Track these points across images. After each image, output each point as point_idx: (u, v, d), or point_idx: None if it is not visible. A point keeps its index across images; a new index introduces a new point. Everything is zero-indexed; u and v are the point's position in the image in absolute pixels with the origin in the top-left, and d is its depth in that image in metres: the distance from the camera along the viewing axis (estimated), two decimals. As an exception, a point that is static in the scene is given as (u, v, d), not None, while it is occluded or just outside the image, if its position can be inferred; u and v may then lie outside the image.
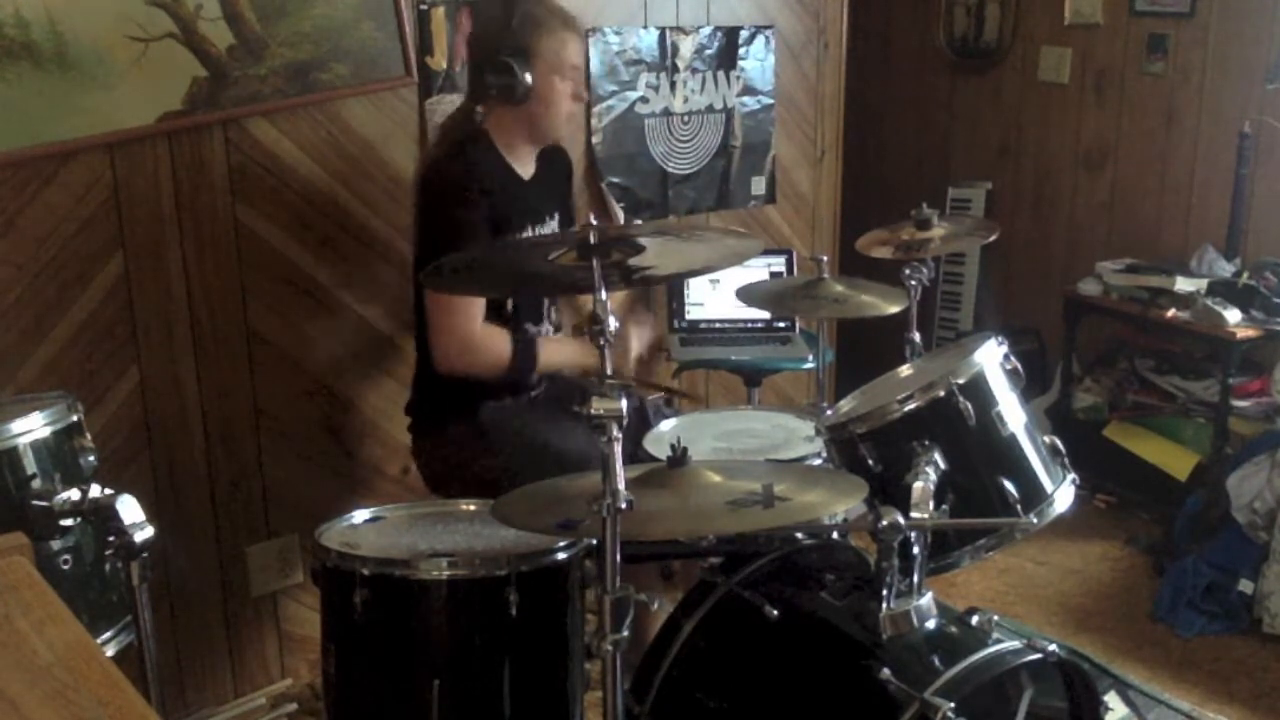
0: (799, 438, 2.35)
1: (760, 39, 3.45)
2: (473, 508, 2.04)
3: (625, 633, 1.57)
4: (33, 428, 1.76)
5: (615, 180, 3.21)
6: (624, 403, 1.51)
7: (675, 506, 1.64)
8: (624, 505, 1.49)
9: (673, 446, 1.71)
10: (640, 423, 2.43)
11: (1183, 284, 3.52)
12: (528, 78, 2.32)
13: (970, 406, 1.91)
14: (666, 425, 2.46)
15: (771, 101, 3.52)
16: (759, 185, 3.56)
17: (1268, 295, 3.42)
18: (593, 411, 1.50)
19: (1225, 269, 3.58)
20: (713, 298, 3.29)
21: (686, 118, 3.34)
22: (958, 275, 4.49)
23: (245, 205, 2.57)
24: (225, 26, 2.43)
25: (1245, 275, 3.50)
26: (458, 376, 2.36)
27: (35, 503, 1.72)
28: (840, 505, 1.71)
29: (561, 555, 1.80)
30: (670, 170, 3.34)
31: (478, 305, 2.33)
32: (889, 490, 1.85)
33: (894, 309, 2.43)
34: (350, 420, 2.83)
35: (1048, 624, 3.16)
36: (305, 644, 2.83)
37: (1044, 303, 4.22)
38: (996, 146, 4.46)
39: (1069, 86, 4.16)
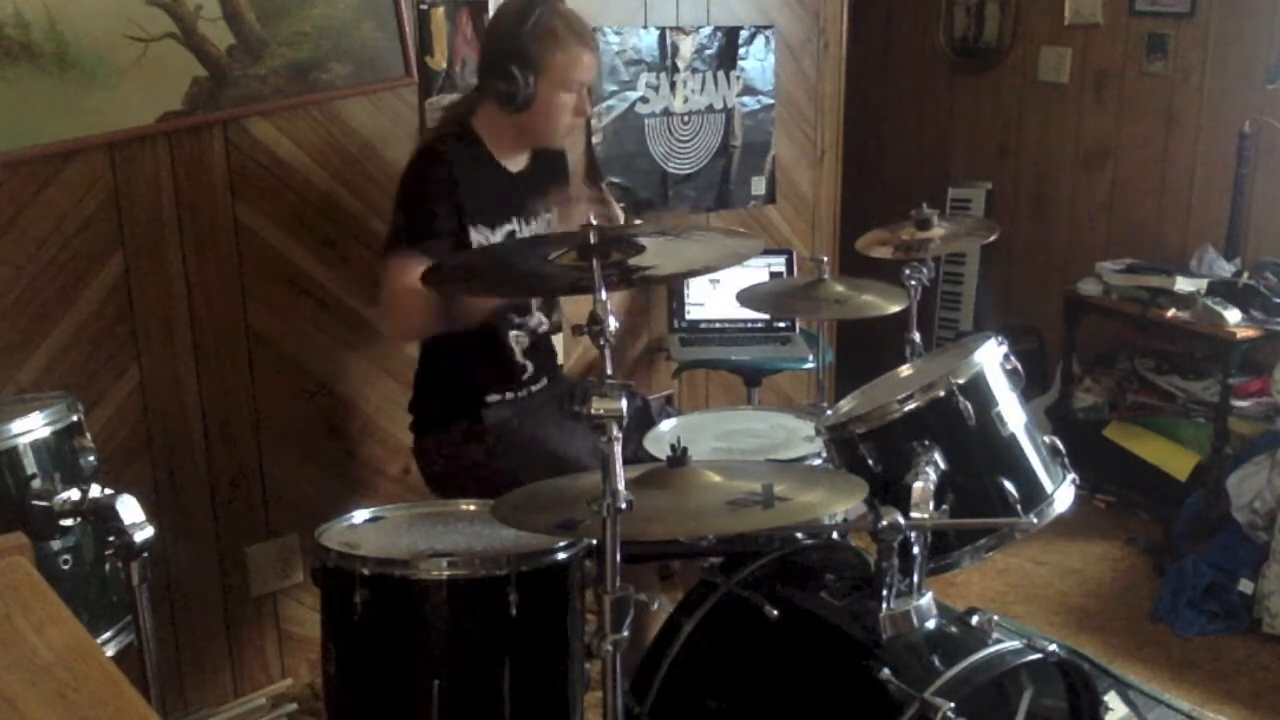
0: (799, 438, 2.35)
1: (760, 39, 3.45)
2: (473, 508, 2.04)
3: (625, 633, 1.57)
4: (33, 428, 1.76)
5: (615, 180, 3.21)
6: (624, 403, 1.51)
7: (675, 506, 1.64)
8: (624, 505, 1.49)
9: (673, 446, 1.71)
10: (641, 423, 2.44)
11: (1183, 284, 3.52)
12: (529, 88, 2.31)
13: (970, 406, 1.91)
14: (666, 425, 2.46)
15: (771, 101, 3.52)
16: (759, 185, 3.56)
17: (1268, 295, 3.42)
18: (593, 411, 1.50)
19: (1225, 269, 3.59)
20: (713, 298, 3.29)
21: (686, 118, 3.34)
22: (958, 275, 4.49)
23: (245, 205, 2.57)
24: (225, 26, 2.43)
25: (1245, 275, 3.50)
26: (444, 364, 2.36)
27: (35, 503, 1.72)
28: (840, 505, 1.71)
29: (561, 555, 1.80)
30: (670, 170, 3.34)
31: (414, 268, 2.12)
32: (889, 490, 1.85)
33: (894, 309, 2.43)
34: (350, 420, 2.83)
35: (1048, 624, 3.16)
36: (305, 644, 2.84)
37: (1044, 303, 4.22)
38: (996, 146, 4.46)
39: (1069, 86, 4.17)
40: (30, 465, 1.75)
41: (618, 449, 1.50)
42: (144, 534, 1.72)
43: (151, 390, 2.51)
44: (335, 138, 2.66)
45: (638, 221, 3.26)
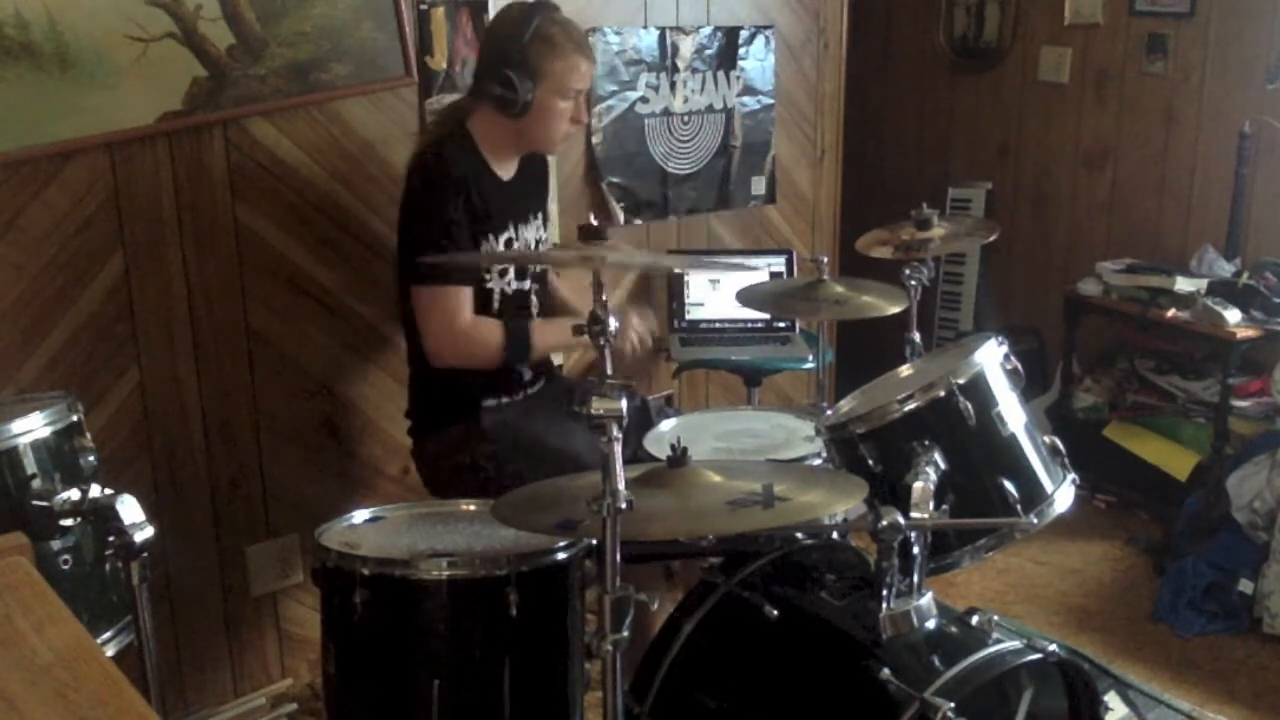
0: (799, 438, 2.35)
1: (760, 39, 3.45)
2: (473, 508, 2.04)
3: (625, 633, 1.57)
4: (33, 428, 1.76)
5: (615, 180, 3.21)
6: (624, 403, 1.51)
7: (675, 506, 1.64)
8: (624, 505, 1.49)
9: (673, 446, 1.71)
10: (641, 423, 2.44)
11: (1183, 284, 3.52)
12: (527, 95, 2.32)
13: (970, 406, 1.91)
14: (666, 425, 2.46)
15: (771, 101, 3.52)
16: (759, 185, 3.56)
17: (1268, 295, 3.42)
18: (593, 411, 1.50)
19: (1225, 269, 3.59)
20: (713, 298, 3.29)
21: (686, 118, 3.34)
22: (958, 275, 4.49)
23: (245, 205, 2.57)
24: (225, 26, 2.43)
25: (1245, 275, 3.50)
26: (455, 370, 2.36)
27: (35, 503, 1.72)
28: (840, 505, 1.71)
29: (561, 555, 1.80)
30: (670, 170, 3.34)
31: (465, 296, 2.33)
32: (889, 490, 1.86)
33: (894, 309, 2.43)
34: (350, 420, 2.83)
35: (1048, 624, 3.16)
36: (305, 644, 2.84)
37: (1044, 303, 4.22)
38: (996, 146, 4.46)
39: (1069, 86, 4.17)
40: (30, 465, 1.75)
41: (618, 449, 1.50)
42: (144, 534, 1.72)
43: (151, 390, 2.51)
44: (335, 138, 2.67)
45: (637, 221, 3.27)
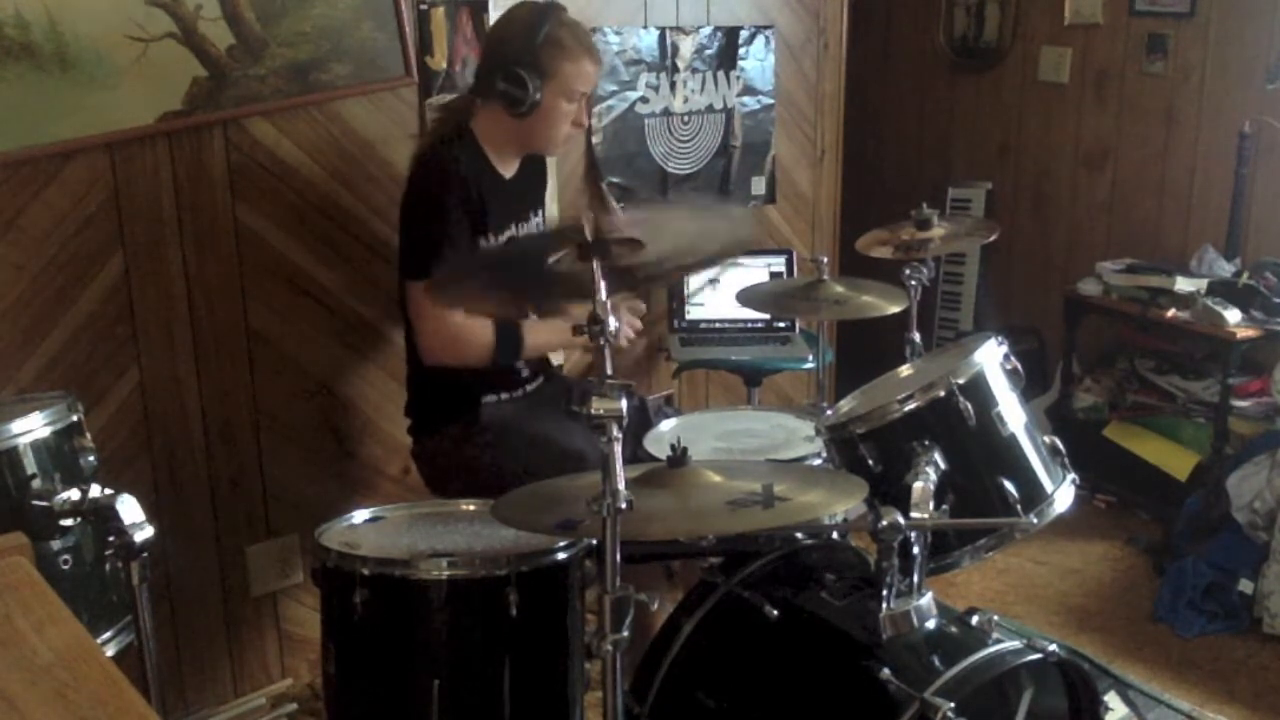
0: (799, 438, 2.35)
1: (760, 39, 3.45)
2: (473, 508, 2.04)
3: (625, 633, 1.57)
4: (33, 428, 1.76)
5: (615, 180, 3.21)
6: (624, 403, 1.51)
7: (675, 506, 1.64)
8: (624, 505, 1.49)
9: (673, 446, 1.71)
10: (641, 423, 2.44)
11: (1183, 284, 3.52)
12: (536, 95, 2.33)
13: (970, 406, 1.91)
14: (666, 425, 2.46)
15: (771, 101, 3.52)
16: (759, 185, 3.56)
17: (1268, 295, 3.42)
18: (593, 411, 1.50)
19: (1225, 269, 3.58)
20: (713, 298, 3.29)
21: (686, 118, 3.34)
22: (958, 275, 4.49)
23: (245, 205, 2.57)
24: (225, 26, 2.43)
25: (1245, 275, 3.50)
26: (447, 368, 2.37)
27: (35, 503, 1.72)
28: (840, 505, 1.71)
29: (561, 555, 1.80)
30: (670, 170, 3.34)
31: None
32: (889, 490, 1.85)
33: (894, 309, 2.43)
34: (350, 420, 2.83)
35: (1048, 624, 3.16)
36: (305, 644, 2.83)
37: (1044, 303, 4.22)
38: (996, 146, 4.46)
39: (1069, 86, 4.17)
40: (30, 465, 1.75)
41: (618, 449, 1.50)
42: (144, 534, 1.72)
43: (151, 390, 2.51)
44: (335, 138, 2.66)
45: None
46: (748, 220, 3.38)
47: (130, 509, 1.72)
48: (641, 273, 1.68)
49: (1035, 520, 1.93)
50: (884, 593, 1.75)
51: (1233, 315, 3.39)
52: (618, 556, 1.53)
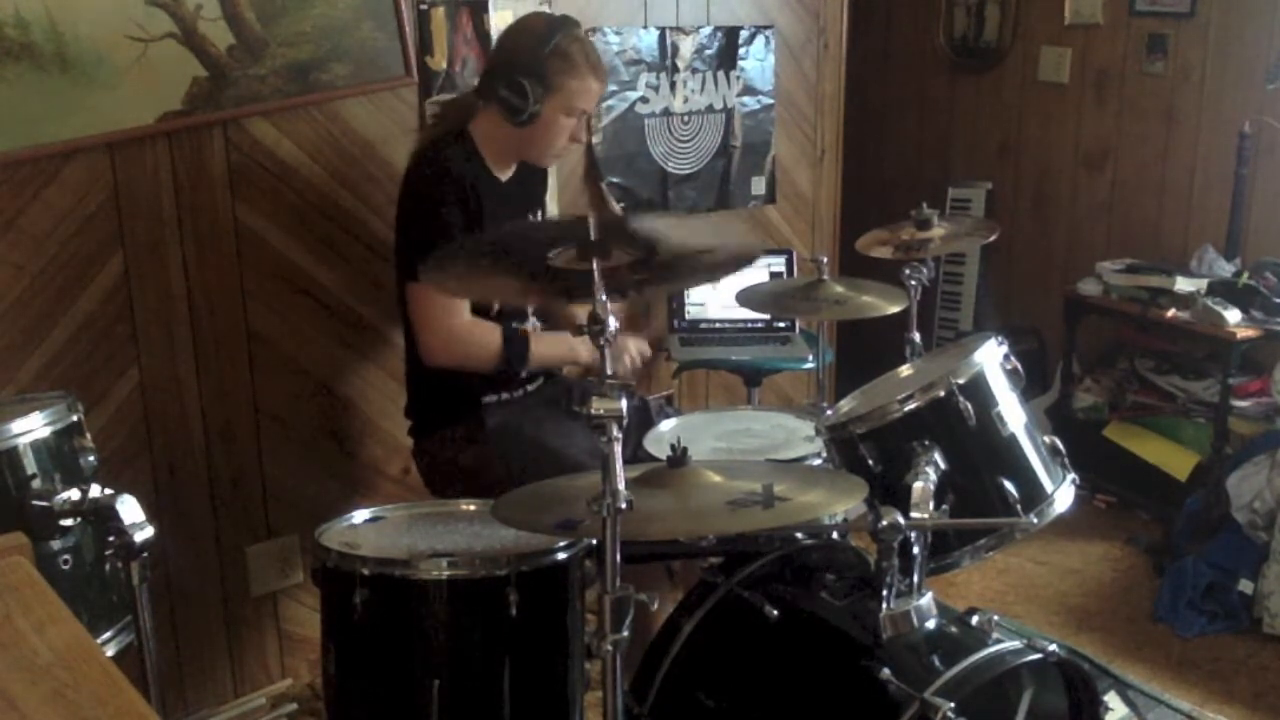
0: (799, 438, 2.35)
1: (760, 39, 3.45)
2: (473, 508, 2.04)
3: (625, 633, 1.57)
4: (33, 428, 1.76)
5: (615, 180, 3.21)
6: (624, 403, 1.51)
7: (675, 506, 1.64)
8: (624, 505, 1.49)
9: (673, 446, 1.71)
10: (641, 423, 2.44)
11: (1183, 284, 3.52)
12: (536, 106, 2.32)
13: (970, 406, 1.91)
14: (666, 425, 2.46)
15: (771, 101, 3.52)
16: (759, 185, 3.56)
17: (1268, 295, 3.42)
18: (593, 411, 1.50)
19: (1225, 269, 3.58)
20: (713, 298, 3.29)
21: (686, 118, 3.34)
22: (958, 275, 4.48)
23: (245, 205, 2.57)
24: (225, 26, 2.43)
25: (1245, 275, 3.50)
26: (448, 370, 2.37)
27: (35, 503, 1.72)
28: (840, 505, 1.71)
29: (561, 555, 1.80)
30: (670, 170, 3.33)
31: (454, 305, 2.33)
32: (889, 490, 1.85)
33: (894, 309, 2.43)
34: (350, 420, 2.83)
35: (1048, 624, 3.16)
36: (305, 644, 2.84)
37: (1044, 303, 4.22)
38: (996, 146, 4.46)
39: (1069, 86, 4.16)
40: (30, 465, 1.75)
41: (618, 449, 1.50)
42: (144, 534, 1.72)
43: (151, 390, 2.51)
44: (335, 138, 2.67)
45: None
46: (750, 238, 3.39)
47: (130, 509, 1.72)
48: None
49: (1035, 520, 1.93)
50: (884, 593, 1.75)
51: (1233, 315, 3.39)
52: (618, 556, 1.53)
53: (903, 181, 4.73)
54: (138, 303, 2.46)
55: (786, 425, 2.45)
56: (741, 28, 3.40)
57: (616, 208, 3.22)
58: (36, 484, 1.74)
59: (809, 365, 3.21)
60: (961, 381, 1.92)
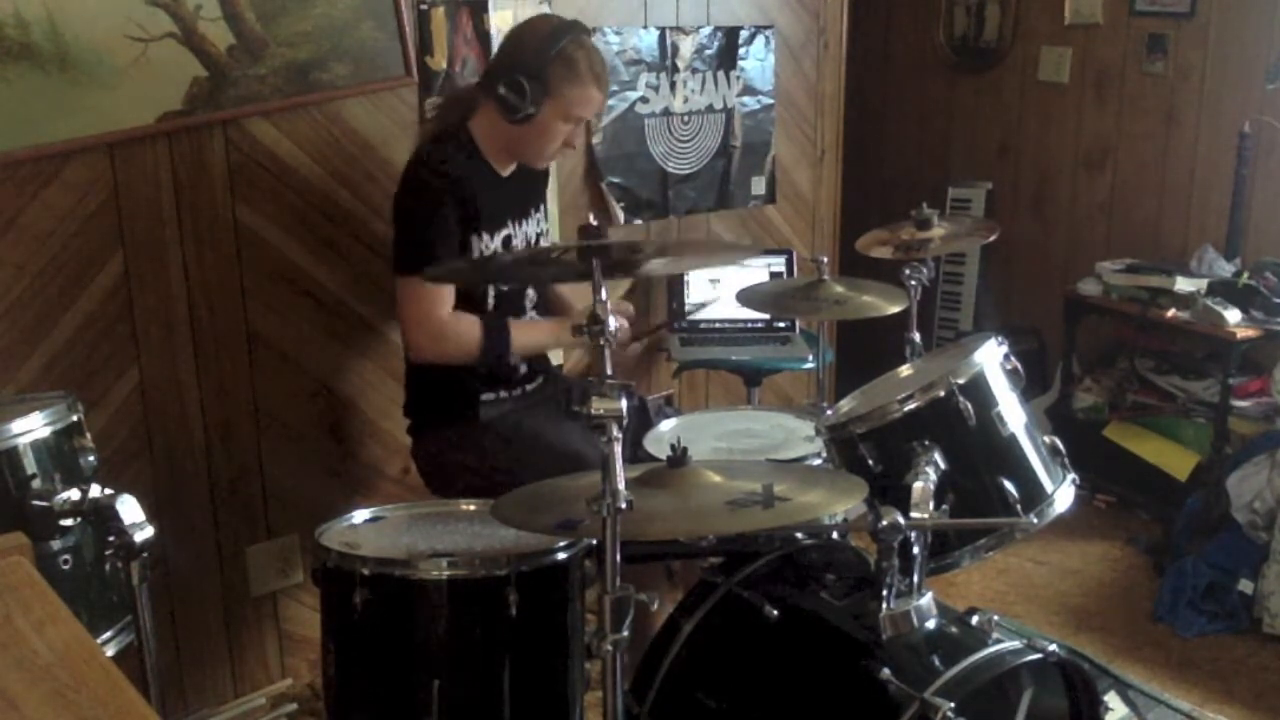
0: (799, 438, 2.35)
1: (760, 39, 3.45)
2: (473, 508, 2.05)
3: (625, 633, 1.57)
4: (33, 428, 1.76)
5: (615, 180, 3.21)
6: (624, 403, 1.51)
7: (675, 506, 1.63)
8: (624, 505, 1.49)
9: (673, 446, 1.71)
10: (641, 423, 2.44)
11: (1183, 284, 3.52)
12: (532, 108, 2.32)
13: (970, 406, 1.91)
14: (666, 425, 2.46)
15: (771, 101, 3.52)
16: (759, 185, 3.56)
17: (1268, 295, 3.42)
18: (593, 411, 1.50)
19: (1225, 269, 3.59)
20: (713, 297, 3.29)
21: (686, 118, 3.34)
22: (958, 275, 4.49)
23: (245, 205, 2.57)
24: (225, 26, 2.43)
25: (1245, 275, 3.50)
26: (435, 365, 2.37)
27: (35, 503, 1.72)
28: (840, 505, 1.71)
29: (561, 555, 1.81)
30: (670, 170, 3.33)
31: (446, 292, 2.34)
32: (889, 490, 1.85)
33: (894, 309, 2.42)
34: (350, 420, 2.83)
35: (1048, 624, 3.16)
36: (305, 644, 2.84)
37: (1044, 303, 4.22)
38: (996, 146, 4.46)
39: (1069, 86, 4.17)
40: (30, 465, 1.75)
41: (618, 449, 1.50)
42: (144, 534, 1.72)
43: (151, 390, 2.51)
44: (335, 138, 2.67)
45: (637, 221, 3.27)
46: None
47: (130, 509, 1.72)
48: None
49: (1035, 520, 1.93)
50: (884, 593, 1.75)
51: (1233, 315, 3.39)
52: (618, 556, 1.53)
53: (903, 181, 4.73)
54: (138, 303, 2.46)
55: (786, 425, 2.45)
56: (741, 28, 3.40)
57: (617, 209, 3.22)
58: (36, 484, 1.74)
59: (809, 365, 3.21)
60: (961, 381, 1.92)
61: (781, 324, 3.30)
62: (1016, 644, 1.76)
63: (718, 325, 3.29)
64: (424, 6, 2.72)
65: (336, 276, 2.72)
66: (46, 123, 2.26)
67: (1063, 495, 2.00)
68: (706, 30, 3.33)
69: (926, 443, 1.88)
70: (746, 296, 2.57)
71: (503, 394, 2.47)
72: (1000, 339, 2.04)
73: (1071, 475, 2.05)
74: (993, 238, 2.60)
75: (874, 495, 1.79)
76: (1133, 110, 4.00)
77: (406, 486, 2.87)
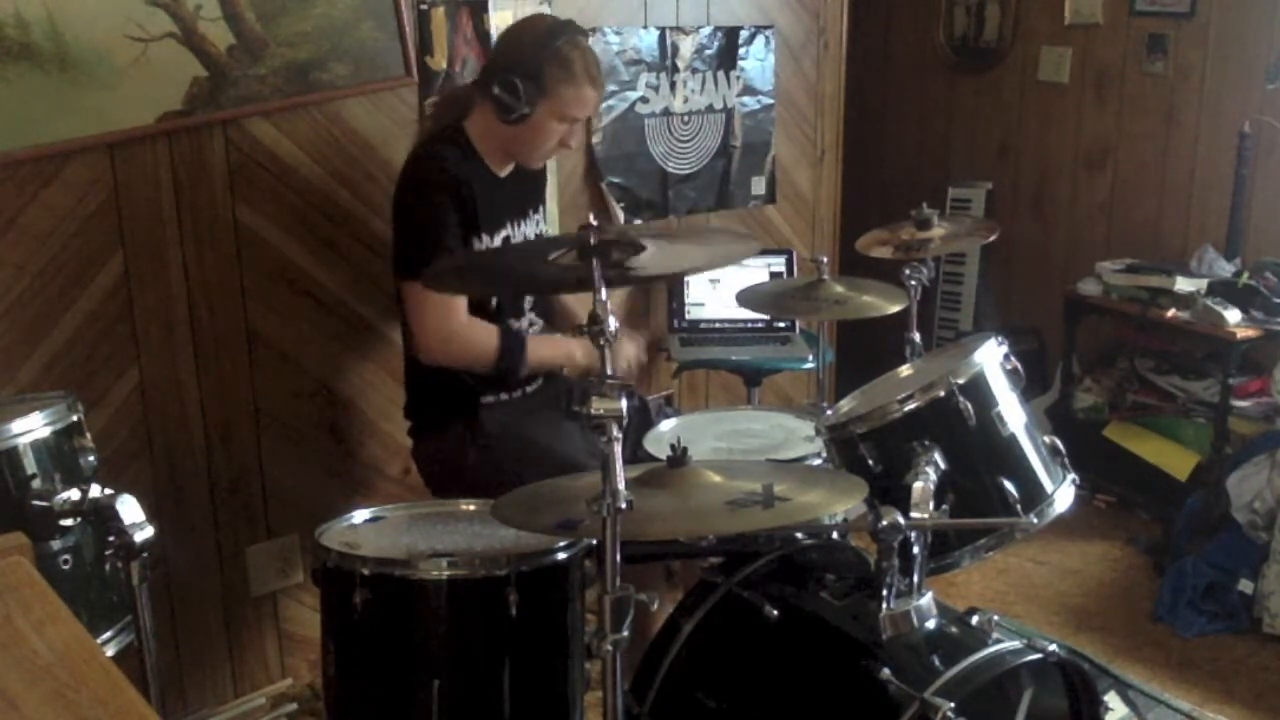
0: (799, 438, 2.35)
1: (760, 39, 3.45)
2: (473, 508, 2.04)
3: (625, 633, 1.57)
4: (33, 428, 1.76)
5: (615, 180, 3.21)
6: (624, 403, 1.51)
7: (675, 506, 1.63)
8: (624, 505, 1.49)
9: (673, 446, 1.71)
10: (641, 423, 2.44)
11: (1183, 284, 3.52)
12: (527, 108, 2.32)
13: (970, 406, 1.91)
14: (666, 425, 2.46)
15: (771, 101, 3.52)
16: (759, 185, 3.56)
17: (1268, 295, 3.42)
18: (593, 411, 1.50)
19: (1225, 269, 3.59)
20: (713, 298, 3.29)
21: (686, 118, 3.34)
22: (958, 275, 4.49)
23: (245, 205, 2.57)
24: (225, 26, 2.43)
25: (1245, 275, 3.50)
26: (444, 368, 2.37)
27: (35, 503, 1.72)
28: (840, 505, 1.71)
29: (561, 555, 1.80)
30: (670, 170, 3.34)
31: (459, 297, 2.33)
32: (889, 490, 1.85)
33: (894, 309, 2.43)
34: (350, 420, 2.83)
35: (1048, 624, 3.16)
36: (305, 644, 2.84)
37: (1044, 303, 4.22)
38: (996, 146, 4.46)
39: (1069, 86, 4.17)
40: (30, 465, 1.75)
41: (618, 449, 1.50)
42: (144, 534, 1.72)
43: (151, 390, 2.51)
44: (335, 138, 2.67)
45: (637, 221, 3.27)
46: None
47: (130, 509, 1.72)
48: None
49: (1035, 520, 1.93)
50: (884, 593, 1.75)
51: (1233, 315, 3.39)
52: (618, 556, 1.53)
53: (903, 181, 4.73)
54: (138, 303, 2.46)
55: (786, 425, 2.45)
56: (741, 28, 3.40)
57: (617, 209, 3.22)
58: (36, 484, 1.74)
59: (809, 365, 3.21)
60: (961, 381, 1.92)
61: (781, 324, 3.30)
62: (1016, 644, 1.76)
63: (718, 325, 3.29)
64: (424, 6, 2.72)
65: (336, 276, 2.72)
66: (46, 123, 2.26)
67: (1063, 495, 2.00)
68: (706, 30, 3.33)
69: (926, 443, 1.88)
70: (746, 296, 2.57)
71: (503, 396, 2.47)
72: (1000, 339, 2.04)
73: (1071, 475, 2.05)
74: (993, 238, 2.60)
75: (874, 495, 1.79)
76: (1133, 110, 4.00)
77: (406, 487, 2.87)
